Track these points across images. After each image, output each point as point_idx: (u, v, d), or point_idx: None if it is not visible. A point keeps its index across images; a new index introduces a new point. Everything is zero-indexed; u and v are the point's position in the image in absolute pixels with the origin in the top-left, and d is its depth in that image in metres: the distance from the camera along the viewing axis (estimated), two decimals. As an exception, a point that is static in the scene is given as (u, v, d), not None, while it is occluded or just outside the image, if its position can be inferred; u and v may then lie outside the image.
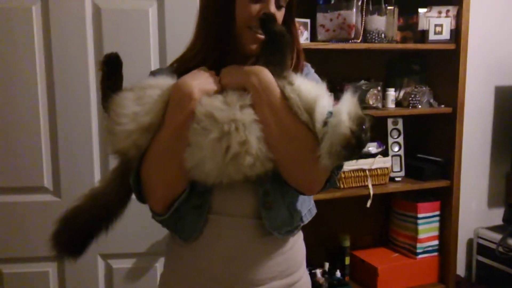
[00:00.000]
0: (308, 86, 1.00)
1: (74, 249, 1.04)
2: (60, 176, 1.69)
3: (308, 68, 1.18)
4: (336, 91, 2.09)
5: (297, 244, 1.15)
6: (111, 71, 1.05)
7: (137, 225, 1.74)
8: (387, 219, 2.48)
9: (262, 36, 1.05)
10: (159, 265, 1.79)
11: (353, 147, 0.91)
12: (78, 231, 1.03)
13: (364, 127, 0.93)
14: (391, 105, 2.21)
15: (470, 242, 2.77)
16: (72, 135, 1.68)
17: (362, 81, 2.14)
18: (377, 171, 2.16)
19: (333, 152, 0.92)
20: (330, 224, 2.32)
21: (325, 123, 0.95)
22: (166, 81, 1.02)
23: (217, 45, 1.06)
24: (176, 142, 0.97)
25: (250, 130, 0.96)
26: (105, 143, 1.05)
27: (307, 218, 1.15)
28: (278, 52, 1.01)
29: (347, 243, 2.31)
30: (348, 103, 0.96)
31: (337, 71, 2.20)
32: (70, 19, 1.64)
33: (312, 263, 2.19)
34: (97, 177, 1.70)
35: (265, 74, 0.98)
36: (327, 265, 2.26)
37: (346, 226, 2.38)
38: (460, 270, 2.74)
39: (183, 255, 1.11)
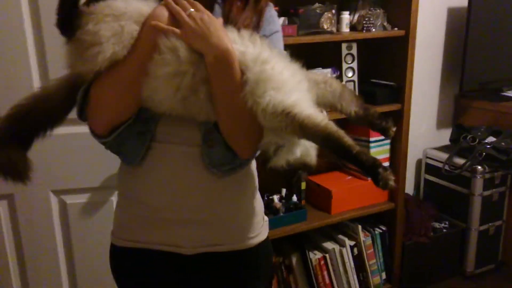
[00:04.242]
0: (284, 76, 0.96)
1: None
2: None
3: (271, 9, 1.11)
4: (289, 14, 2.03)
5: (243, 173, 1.13)
6: None
7: (90, 160, 1.71)
8: (341, 144, 2.53)
9: None
10: (115, 199, 1.77)
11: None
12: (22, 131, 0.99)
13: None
14: (345, 29, 2.17)
15: (419, 162, 2.91)
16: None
17: (316, 4, 2.07)
18: (331, 96, 2.16)
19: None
20: (286, 151, 2.35)
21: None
22: (140, 7, 0.95)
23: None
24: (138, 72, 0.94)
25: (203, 85, 0.95)
26: (63, 55, 0.96)
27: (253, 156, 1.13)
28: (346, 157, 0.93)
29: (303, 169, 2.36)
30: None
31: (290, -6, 2.12)
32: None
33: (269, 189, 2.24)
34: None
35: (226, 56, 0.93)
36: (284, 191, 2.32)
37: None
38: (409, 189, 2.89)
39: (128, 179, 1.11)
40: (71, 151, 1.70)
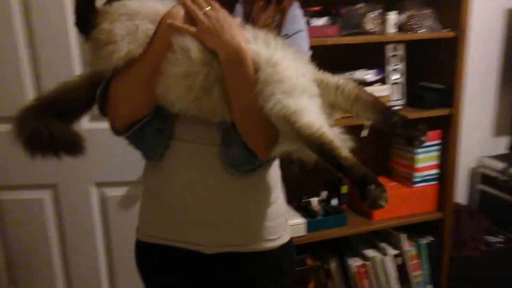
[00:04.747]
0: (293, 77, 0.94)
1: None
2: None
3: (295, 8, 1.10)
4: (331, 15, 2.00)
5: (265, 171, 1.13)
6: None
7: (129, 154, 1.76)
8: (387, 149, 2.45)
9: None
10: (151, 193, 1.83)
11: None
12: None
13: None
14: (392, 29, 2.09)
15: (473, 171, 2.74)
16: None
17: (360, 4, 2.02)
18: (375, 99, 2.10)
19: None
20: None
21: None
22: (155, 7, 0.97)
23: None
24: (153, 70, 0.96)
25: (217, 84, 0.95)
26: (83, 54, 1.01)
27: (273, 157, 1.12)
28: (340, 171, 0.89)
29: (344, 173, 2.30)
30: None
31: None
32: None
33: (308, 192, 2.21)
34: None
35: (238, 54, 0.93)
36: (324, 193, 2.27)
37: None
38: (462, 198, 2.74)
39: (151, 176, 1.14)
40: (112, 145, 1.76)
